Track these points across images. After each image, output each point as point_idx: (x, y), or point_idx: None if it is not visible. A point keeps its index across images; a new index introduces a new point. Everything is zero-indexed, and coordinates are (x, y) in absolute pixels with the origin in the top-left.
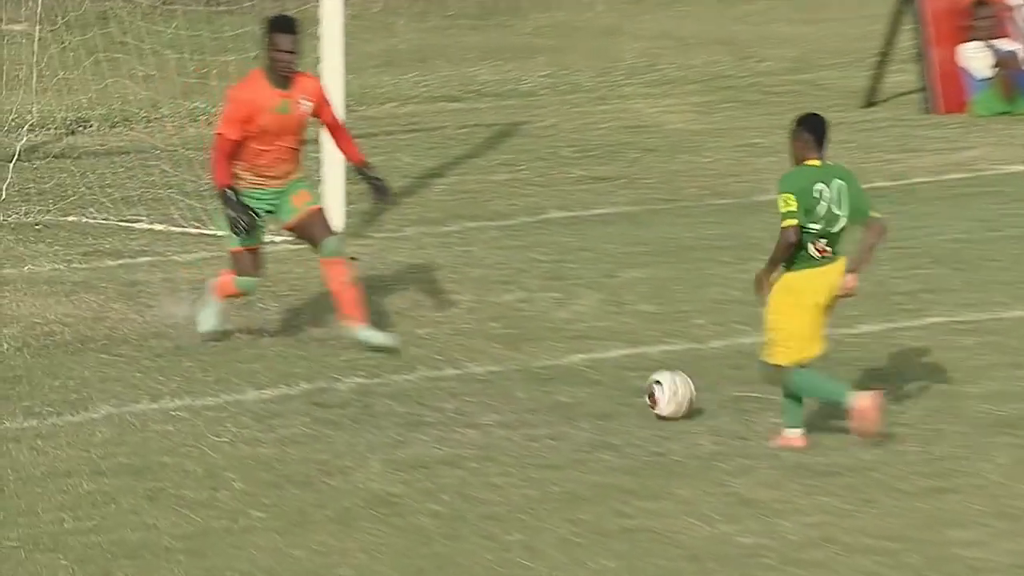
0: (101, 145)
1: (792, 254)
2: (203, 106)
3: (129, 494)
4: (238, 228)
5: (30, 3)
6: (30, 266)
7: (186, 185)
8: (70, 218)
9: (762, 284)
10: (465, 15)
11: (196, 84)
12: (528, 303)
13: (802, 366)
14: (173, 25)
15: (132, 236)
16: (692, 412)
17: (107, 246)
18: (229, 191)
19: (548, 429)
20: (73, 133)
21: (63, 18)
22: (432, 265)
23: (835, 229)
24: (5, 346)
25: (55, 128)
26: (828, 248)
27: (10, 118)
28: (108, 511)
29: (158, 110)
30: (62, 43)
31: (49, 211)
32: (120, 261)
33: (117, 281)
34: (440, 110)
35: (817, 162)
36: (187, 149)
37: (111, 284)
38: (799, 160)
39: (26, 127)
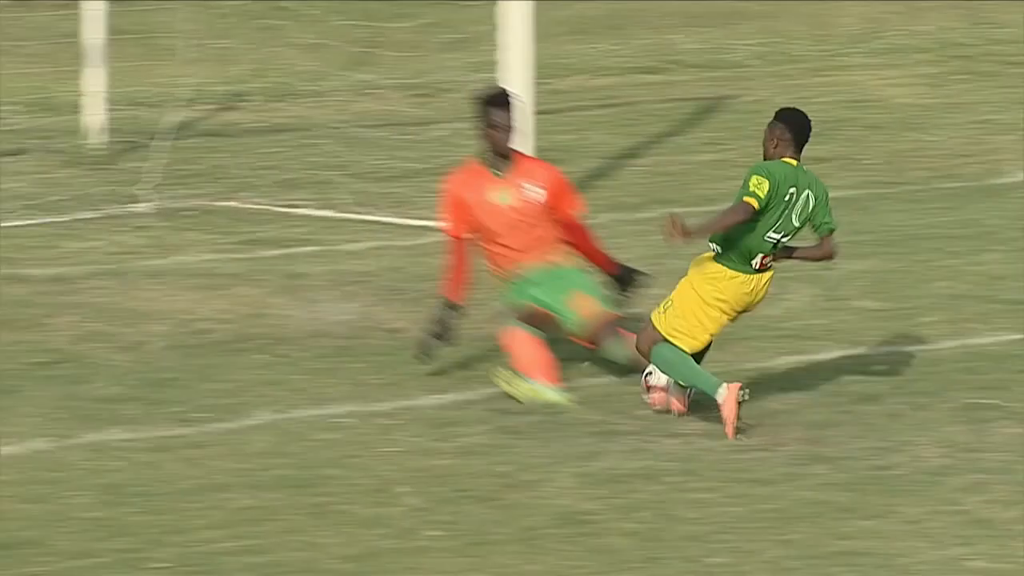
0: (260, 122)
1: (744, 253)
2: (371, 78)
3: (290, 510)
4: (426, 349)
5: None
6: (182, 256)
7: (353, 166)
8: (226, 203)
9: (681, 232)
10: None
11: (365, 54)
12: None
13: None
14: None
15: (293, 223)
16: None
17: (267, 234)
18: (447, 306)
19: (756, 439)
20: (230, 108)
21: None
22: (627, 256)
23: (787, 240)
24: (154, 346)
25: (210, 103)
26: (770, 261)
27: (161, 92)
28: (267, 529)
29: (322, 82)
30: (218, 9)
31: (203, 195)
32: (280, 251)
33: (277, 273)
34: (636, 83)
35: (793, 162)
36: (355, 126)
37: (270, 276)
38: (772, 157)
39: (179, 103)
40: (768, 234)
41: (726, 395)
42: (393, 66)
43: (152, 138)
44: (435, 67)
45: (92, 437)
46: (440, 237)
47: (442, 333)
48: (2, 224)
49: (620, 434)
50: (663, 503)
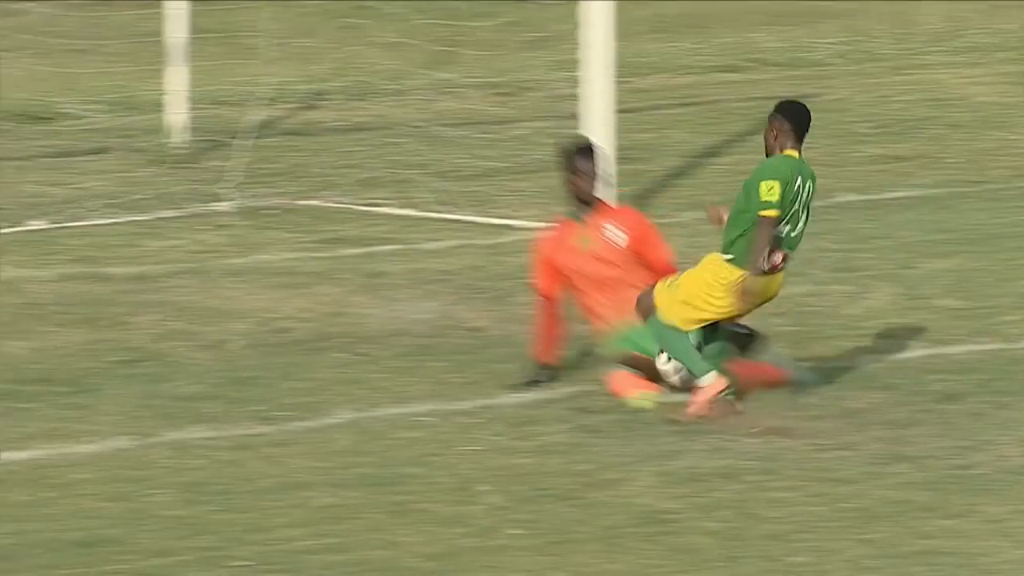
0: (342, 120)
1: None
2: (453, 76)
3: (371, 508)
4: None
5: None
6: (263, 255)
7: (434, 165)
8: (307, 202)
9: (748, 292)
10: None
11: (446, 52)
12: (817, 297)
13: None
14: None
15: (375, 222)
16: None
17: (348, 233)
18: (540, 368)
19: (838, 438)
20: (311, 107)
21: None
22: (696, 253)
23: (795, 233)
24: (236, 344)
25: (292, 102)
26: (785, 258)
27: (243, 91)
28: (348, 527)
29: (404, 81)
30: (300, 7)
31: (284, 194)
32: (362, 249)
33: (358, 272)
34: (718, 81)
35: (795, 154)
36: (436, 125)
37: (351, 275)
38: (775, 150)
39: (259, 101)
40: (777, 229)
41: (711, 382)
42: (474, 65)
43: (234, 137)
44: (516, 66)
45: (173, 435)
46: (521, 236)
47: (533, 383)
48: (85, 223)
49: (700, 433)
50: (744, 502)
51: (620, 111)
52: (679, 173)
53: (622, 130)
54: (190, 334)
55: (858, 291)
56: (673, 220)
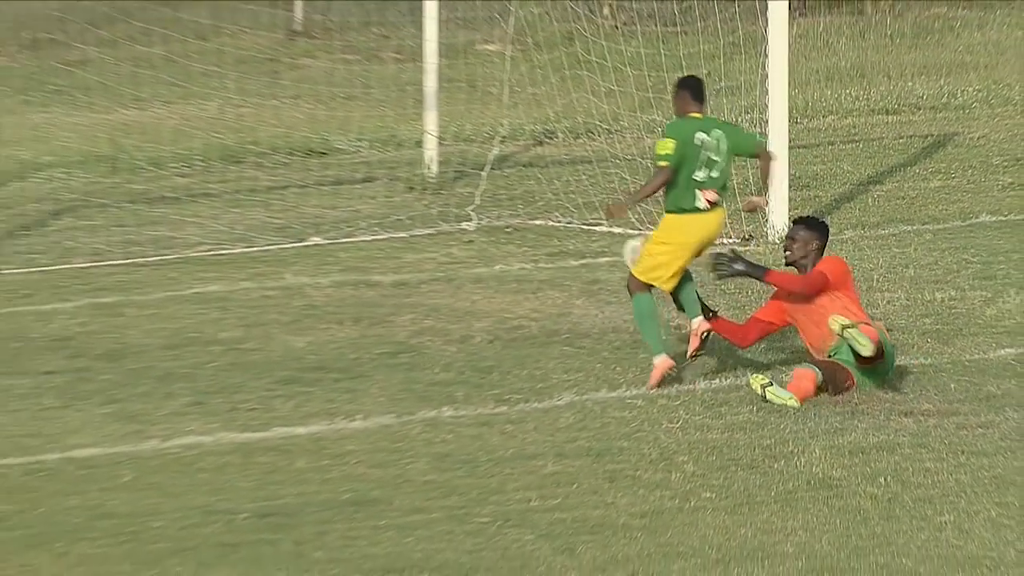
0: (566, 155)
1: (680, 198)
2: (659, 118)
3: (590, 475)
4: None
5: (502, 25)
6: (501, 265)
7: None
8: (537, 222)
9: (615, 211)
10: (902, 34)
11: (652, 98)
12: (959, 301)
13: (648, 291)
14: (632, 44)
15: (593, 238)
16: None
17: (571, 247)
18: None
19: (978, 418)
20: (541, 144)
21: (532, 38)
22: (870, 266)
23: (717, 174)
24: (478, 339)
25: (524, 139)
26: (715, 194)
27: (484, 130)
28: (571, 491)
29: (618, 122)
30: (531, 61)
31: (518, 215)
32: (582, 261)
33: (580, 280)
34: (878, 122)
35: (698, 115)
36: (644, 158)
37: (574, 282)
38: (681, 113)
39: (498, 138)
40: (693, 176)
41: (659, 362)
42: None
43: (481, 169)
44: (711, 110)
45: (427, 414)
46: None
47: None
48: (355, 239)
49: (863, 413)
50: (899, 471)
51: (797, 146)
52: (845, 198)
53: (799, 163)
54: (441, 331)
55: (994, 296)
56: (841, 237)
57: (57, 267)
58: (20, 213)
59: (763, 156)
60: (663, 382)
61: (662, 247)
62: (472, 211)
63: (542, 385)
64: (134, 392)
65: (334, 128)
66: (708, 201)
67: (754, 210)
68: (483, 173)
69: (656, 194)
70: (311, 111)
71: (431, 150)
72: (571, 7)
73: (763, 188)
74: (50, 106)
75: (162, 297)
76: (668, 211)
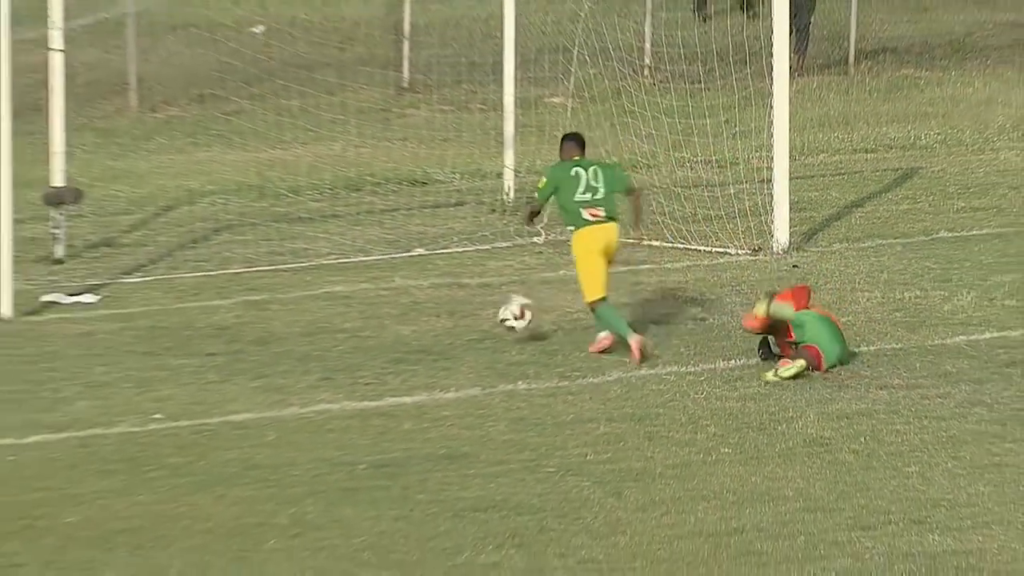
0: None
1: (573, 218)
2: (687, 156)
3: (633, 435)
4: None
5: (565, 83)
6: (563, 271)
7: (675, 213)
8: None
9: (527, 220)
10: (878, 90)
11: (682, 139)
12: (923, 299)
13: (602, 302)
14: (667, 97)
15: (637, 250)
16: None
17: (619, 256)
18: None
19: (937, 390)
20: None
21: (588, 93)
22: (853, 271)
23: (598, 197)
24: (547, 328)
25: None
26: (599, 211)
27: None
28: (618, 447)
29: (655, 159)
30: (587, 111)
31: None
32: (628, 268)
33: (624, 282)
34: (859, 159)
35: (578, 157)
36: (676, 187)
37: (620, 284)
38: (564, 158)
39: None
40: (575, 198)
41: (633, 340)
42: (700, 148)
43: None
44: (729, 148)
45: (506, 387)
46: (731, 260)
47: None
48: (449, 250)
49: (847, 387)
50: (876, 432)
51: (795, 177)
52: (834, 218)
53: (797, 191)
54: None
55: (950, 295)
56: (829, 249)
57: (218, 272)
58: (190, 230)
59: (632, 193)
60: (644, 354)
61: (579, 262)
62: (541, 228)
63: (595, 364)
64: (277, 370)
65: (433, 163)
66: (593, 214)
67: (635, 239)
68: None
69: (542, 215)
70: (415, 150)
71: (509, 180)
72: (618, 68)
73: (634, 221)
74: (212, 147)
75: (299, 295)
76: (569, 228)
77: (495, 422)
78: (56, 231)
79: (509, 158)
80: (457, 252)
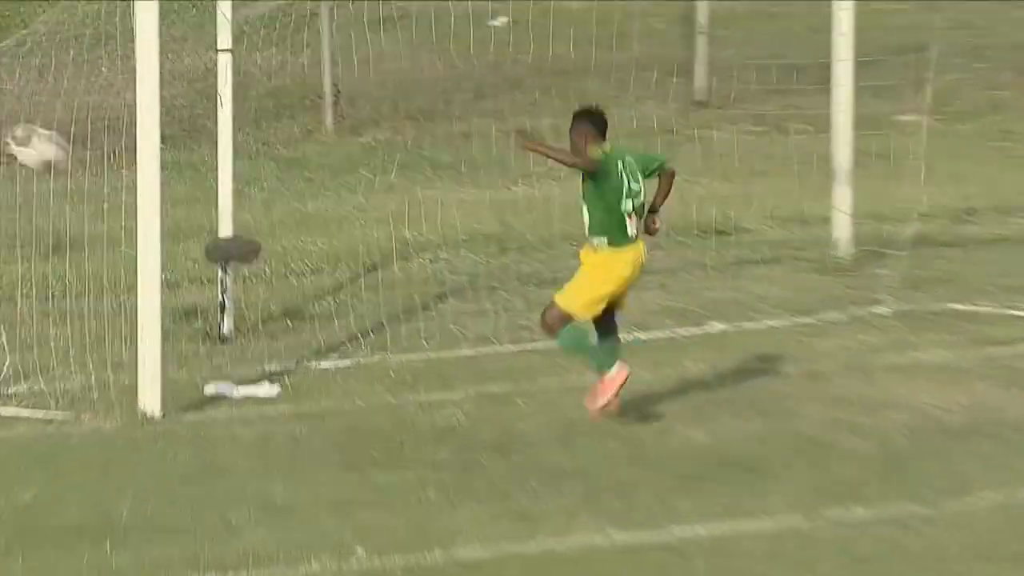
0: (989, 234)
1: (614, 232)
2: None
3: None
4: None
5: (919, 94)
6: (917, 353)
7: None
8: (957, 306)
9: (528, 146)
10: None
11: None
12: None
13: (571, 321)
14: None
15: (1019, 324)
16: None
17: (998, 334)
18: None
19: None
20: (962, 222)
21: (952, 108)
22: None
23: (640, 200)
24: (893, 432)
25: (943, 217)
26: (636, 222)
27: (901, 208)
28: None
29: None
30: (951, 132)
31: (937, 299)
32: (1011, 349)
33: (1008, 369)
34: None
35: (607, 147)
36: None
37: (1000, 371)
38: (583, 148)
39: (915, 216)
40: (623, 206)
41: (616, 373)
42: None
43: (895, 249)
44: None
45: (835, 513)
46: None
47: None
48: (759, 324)
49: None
50: None
51: None
52: None
53: None
54: (850, 423)
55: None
56: None
57: (442, 354)
58: (404, 296)
59: (667, 174)
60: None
61: (590, 279)
62: (886, 295)
63: (958, 482)
64: (522, 488)
65: (737, 204)
66: (635, 228)
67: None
68: (899, 254)
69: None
70: (711, 186)
71: (840, 228)
72: (994, 75)
73: (658, 203)
74: (434, 182)
75: (553, 385)
76: (598, 240)
77: (823, 562)
78: (224, 298)
79: (841, 198)
80: (770, 327)
